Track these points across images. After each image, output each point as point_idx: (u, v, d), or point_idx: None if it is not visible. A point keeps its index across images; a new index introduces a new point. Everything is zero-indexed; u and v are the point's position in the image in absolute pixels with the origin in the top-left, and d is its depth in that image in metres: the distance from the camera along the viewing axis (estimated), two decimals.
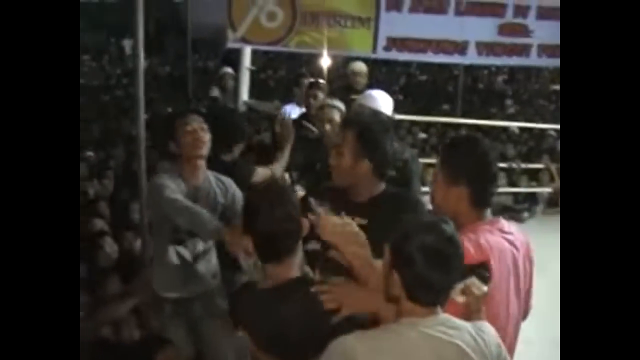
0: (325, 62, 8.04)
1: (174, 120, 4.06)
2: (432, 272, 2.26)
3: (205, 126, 4.01)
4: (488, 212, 2.79)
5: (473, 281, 2.51)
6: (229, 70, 9.37)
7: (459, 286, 2.47)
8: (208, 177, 4.11)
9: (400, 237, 2.33)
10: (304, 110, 6.69)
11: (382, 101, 4.87)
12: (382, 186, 3.28)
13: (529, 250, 2.86)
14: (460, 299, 2.49)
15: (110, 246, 5.61)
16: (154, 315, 4.33)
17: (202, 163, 4.05)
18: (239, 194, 4.16)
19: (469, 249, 2.52)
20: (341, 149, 3.24)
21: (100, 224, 6.12)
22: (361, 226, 3.03)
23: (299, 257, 2.76)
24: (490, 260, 2.59)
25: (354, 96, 6.10)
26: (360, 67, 7.57)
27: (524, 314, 2.89)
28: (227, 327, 4.09)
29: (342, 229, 2.71)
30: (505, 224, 2.80)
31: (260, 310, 2.69)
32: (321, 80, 6.74)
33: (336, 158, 3.27)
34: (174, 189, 3.84)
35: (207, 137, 3.99)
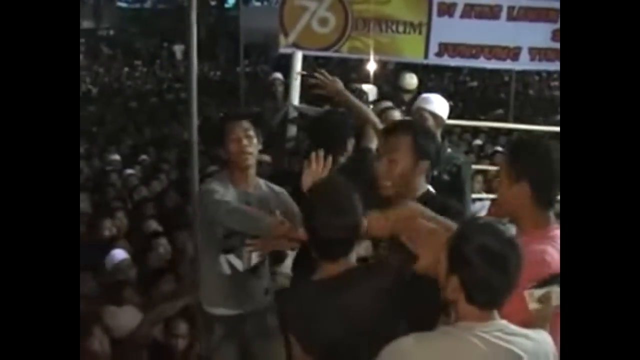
0: (371, 66, 8.00)
1: (223, 124, 4.00)
2: (491, 273, 2.27)
3: (252, 133, 3.89)
4: (551, 216, 2.76)
5: (555, 290, 2.49)
6: (279, 75, 9.42)
7: (539, 292, 2.47)
8: (259, 184, 4.05)
9: (457, 239, 2.34)
10: None
11: (439, 104, 4.91)
12: (425, 187, 3.28)
13: None
14: (536, 305, 2.48)
15: (164, 247, 5.69)
16: (204, 337, 4.24)
17: (251, 171, 3.96)
18: (291, 204, 4.00)
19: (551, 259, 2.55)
20: (394, 155, 3.22)
21: (154, 224, 6.21)
22: None
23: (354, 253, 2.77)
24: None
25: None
26: (411, 83, 7.57)
27: None
28: (281, 348, 4.02)
29: (389, 220, 2.75)
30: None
31: (318, 301, 2.66)
32: (364, 86, 6.72)
33: (388, 166, 3.25)
34: (223, 193, 3.77)
35: (252, 145, 3.88)
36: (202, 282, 4.18)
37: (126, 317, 4.66)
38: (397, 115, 5.07)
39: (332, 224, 2.62)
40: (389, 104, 5.22)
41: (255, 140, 3.92)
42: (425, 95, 5.27)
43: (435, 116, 4.85)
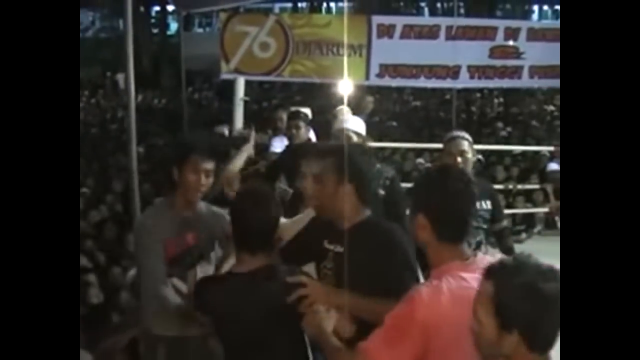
0: (345, 89, 7.95)
1: (188, 151, 3.82)
2: (550, 314, 2.11)
3: (212, 172, 3.83)
4: (463, 249, 2.61)
5: None
6: (224, 130, 9.37)
7: None
8: (201, 207, 3.95)
9: (503, 293, 2.14)
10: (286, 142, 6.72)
11: (354, 123, 5.11)
12: (366, 213, 3.24)
13: None
14: None
15: (93, 283, 5.55)
16: (146, 356, 4.10)
17: (197, 199, 3.89)
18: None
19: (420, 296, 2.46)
20: (321, 177, 3.24)
21: (83, 260, 6.03)
22: (339, 253, 3.14)
23: (271, 252, 3.12)
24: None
25: None
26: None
27: None
28: None
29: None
30: (484, 261, 2.56)
31: (234, 292, 3.00)
32: (302, 109, 6.76)
33: (316, 187, 3.27)
34: (158, 252, 3.71)
35: (210, 181, 3.82)
36: (145, 307, 4.05)
37: None
38: (465, 145, 4.95)
39: (252, 217, 3.02)
40: (459, 133, 5.07)
41: (211, 179, 3.83)
42: (343, 117, 5.48)
43: (358, 134, 4.98)
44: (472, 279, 2.43)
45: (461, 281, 2.46)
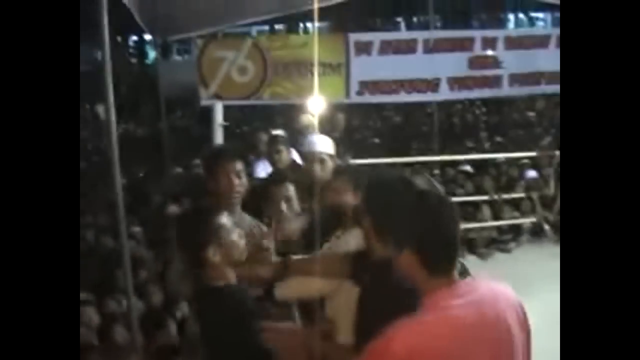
0: (317, 108, 7.88)
1: (215, 157, 4.20)
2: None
3: (243, 173, 4.13)
4: (453, 276, 2.44)
5: None
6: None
7: None
8: (242, 214, 4.17)
9: None
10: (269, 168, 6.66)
11: (323, 144, 5.13)
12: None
13: (519, 310, 2.49)
14: None
15: (92, 317, 5.44)
16: None
17: (236, 202, 4.13)
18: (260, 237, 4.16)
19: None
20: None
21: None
22: None
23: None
24: None
25: None
26: (308, 120, 7.66)
27: None
28: None
29: None
30: (473, 286, 2.46)
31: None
32: (280, 133, 6.74)
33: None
34: None
35: (244, 181, 4.11)
36: None
37: None
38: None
39: None
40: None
41: (244, 180, 4.12)
42: (309, 138, 5.40)
43: (330, 156, 5.05)
44: (459, 306, 2.35)
45: (446, 310, 2.35)
